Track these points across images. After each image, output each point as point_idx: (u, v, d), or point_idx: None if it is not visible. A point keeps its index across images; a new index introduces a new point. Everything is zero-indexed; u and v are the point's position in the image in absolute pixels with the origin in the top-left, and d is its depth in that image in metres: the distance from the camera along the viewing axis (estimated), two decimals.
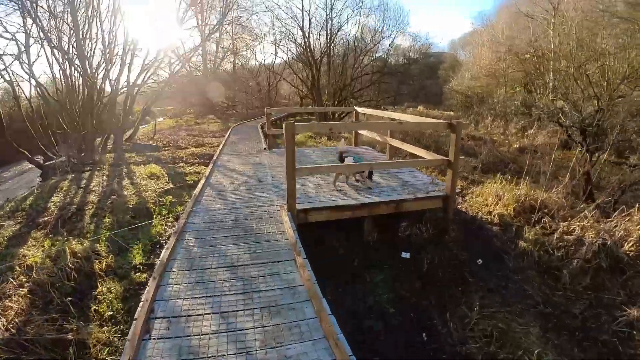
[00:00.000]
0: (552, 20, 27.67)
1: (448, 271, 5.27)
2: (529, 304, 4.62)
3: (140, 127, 25.73)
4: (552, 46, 28.16)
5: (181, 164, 10.91)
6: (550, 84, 28.75)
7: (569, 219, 6.39)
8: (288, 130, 4.99)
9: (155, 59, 16.55)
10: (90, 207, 6.89)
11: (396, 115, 9.13)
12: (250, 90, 38.24)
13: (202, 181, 7.61)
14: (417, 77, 26.52)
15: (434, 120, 6.85)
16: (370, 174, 6.69)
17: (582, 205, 7.12)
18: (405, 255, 5.60)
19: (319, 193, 6.30)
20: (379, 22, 32.22)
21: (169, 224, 6.31)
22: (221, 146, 12.50)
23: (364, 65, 25.98)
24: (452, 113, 32.44)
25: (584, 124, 10.03)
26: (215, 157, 10.27)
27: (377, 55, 27.94)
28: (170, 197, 7.56)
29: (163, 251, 4.35)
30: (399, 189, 6.53)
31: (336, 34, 24.83)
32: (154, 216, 6.53)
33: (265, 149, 11.43)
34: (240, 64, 39.51)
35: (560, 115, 12.17)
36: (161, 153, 12.96)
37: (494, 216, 6.92)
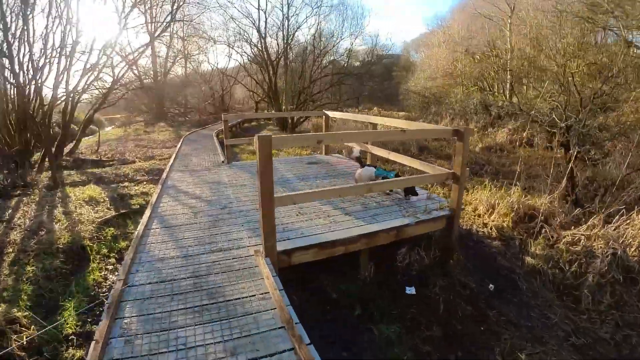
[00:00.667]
0: (509, 21, 28.18)
1: (463, 306, 4.54)
2: (560, 337, 4.22)
3: (85, 138, 24.06)
4: (509, 46, 28.77)
5: (126, 183, 9.59)
6: (507, 83, 29.41)
7: (571, 227, 6.24)
8: (263, 147, 3.52)
9: (97, 62, 15.09)
10: (11, 249, 5.59)
11: (378, 120, 8.23)
12: (203, 96, 36.68)
13: (148, 212, 5.81)
14: (377, 79, 25.82)
15: (440, 128, 5.86)
16: (412, 191, 5.97)
17: (577, 210, 6.83)
18: (410, 291, 4.68)
19: (299, 221, 5.08)
20: (339, 22, 31.28)
21: (110, 266, 5.19)
22: (172, 160, 10.92)
23: (322, 67, 25.01)
24: (404, 113, 32.46)
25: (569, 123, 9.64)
26: (164, 176, 8.54)
27: (337, 56, 27.18)
28: (112, 229, 6.34)
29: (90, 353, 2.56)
30: (396, 210, 5.49)
31: (294, 34, 23.78)
32: (91, 257, 5.36)
33: (223, 162, 9.97)
34: (192, 67, 37.79)
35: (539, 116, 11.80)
36: (104, 170, 11.54)
37: (491, 229, 6.41)
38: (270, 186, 3.68)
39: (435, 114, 27.92)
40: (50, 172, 12.44)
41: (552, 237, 6.09)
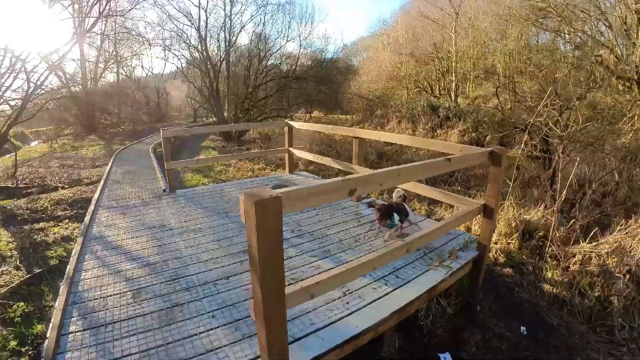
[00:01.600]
0: (454, 24, 28.63)
1: None
2: None
3: (7, 156, 21.26)
4: (454, 49, 29.17)
5: (42, 224, 7.88)
6: (453, 84, 29.78)
7: (571, 241, 5.86)
8: (265, 216, 1.99)
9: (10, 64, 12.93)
10: None
11: (367, 134, 6.67)
12: (137, 104, 34.14)
13: (62, 297, 3.63)
14: (317, 83, 24.61)
15: (478, 150, 4.34)
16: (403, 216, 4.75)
17: (572, 222, 6.25)
18: (446, 358, 3.69)
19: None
20: (285, 22, 29.71)
21: None
22: (98, 191, 8.63)
23: (267, 71, 23.48)
24: (347, 117, 32.05)
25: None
26: (87, 220, 6.29)
27: (281, 60, 25.74)
28: (22, 304, 4.81)
29: None
30: (414, 256, 4.34)
31: (237, 34, 22.12)
32: None
33: (165, 190, 8.00)
34: (124, 73, 35.05)
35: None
36: (17, 203, 9.62)
37: (497, 253, 5.96)
38: (280, 280, 2.18)
39: (381, 116, 27.59)
40: None
41: (560, 256, 5.57)
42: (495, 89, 27.63)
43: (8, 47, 12.85)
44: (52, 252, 6.54)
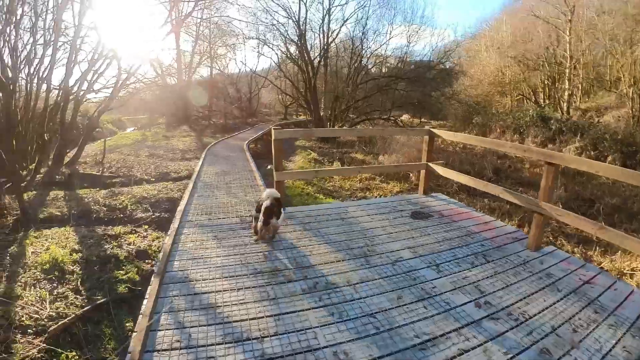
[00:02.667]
0: (569, 25, 24.74)
1: None
2: None
3: (103, 140, 21.18)
4: (568, 53, 25.38)
5: (117, 229, 6.34)
6: (565, 93, 26.00)
7: None
8: None
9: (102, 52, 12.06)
10: None
11: (566, 159, 4.45)
12: (229, 98, 33.71)
13: None
14: (425, 85, 21.92)
15: None
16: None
17: None
18: None
19: None
20: (388, 18, 26.90)
21: None
22: (186, 197, 7.06)
23: (368, 69, 21.32)
24: (441, 123, 29.17)
25: None
26: (168, 245, 4.47)
27: (383, 58, 23.34)
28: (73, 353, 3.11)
29: None
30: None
31: (339, 30, 20.26)
32: None
33: None
34: (218, 68, 34.82)
35: None
36: (96, 196, 8.33)
37: None
38: None
39: (482, 125, 24.60)
40: (34, 192, 9.62)
41: None
42: (619, 101, 23.67)
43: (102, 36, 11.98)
44: (122, 272, 4.90)
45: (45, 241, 5.76)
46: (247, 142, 16.21)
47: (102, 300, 4.38)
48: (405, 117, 34.01)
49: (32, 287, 4.45)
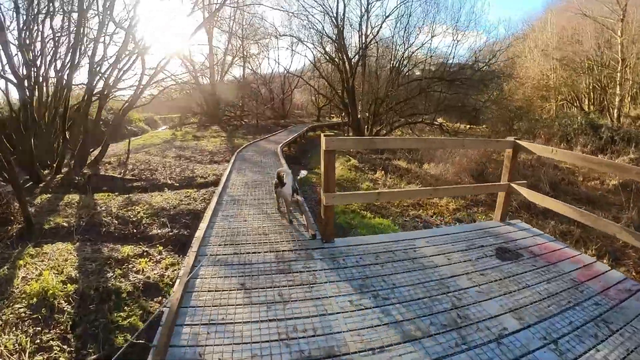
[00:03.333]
0: (620, 25, 22.72)
1: None
2: None
3: (134, 138, 20.71)
4: (620, 55, 23.35)
5: (126, 248, 5.23)
6: (616, 99, 23.95)
7: None
8: None
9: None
10: None
11: None
12: (262, 99, 32.78)
13: None
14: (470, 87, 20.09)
15: None
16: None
17: None
18: None
19: None
20: (431, 14, 24.71)
21: None
22: (208, 217, 5.50)
23: (409, 68, 19.77)
24: (479, 128, 27.35)
25: None
26: (179, 294, 3.12)
27: (426, 57, 21.60)
28: None
29: None
30: None
31: (379, 27, 18.81)
32: None
33: (316, 237, 4.52)
34: (251, 68, 33.96)
35: None
36: (111, 204, 7.30)
37: None
38: None
39: (526, 131, 22.93)
40: (49, 195, 8.80)
41: None
42: None
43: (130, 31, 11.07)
44: (123, 315, 3.79)
45: (40, 262, 4.76)
46: (280, 145, 14.99)
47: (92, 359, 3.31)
48: (439, 121, 32.25)
49: (13, 329, 3.45)
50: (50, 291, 3.99)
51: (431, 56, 20.41)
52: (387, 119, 18.48)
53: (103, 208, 7.05)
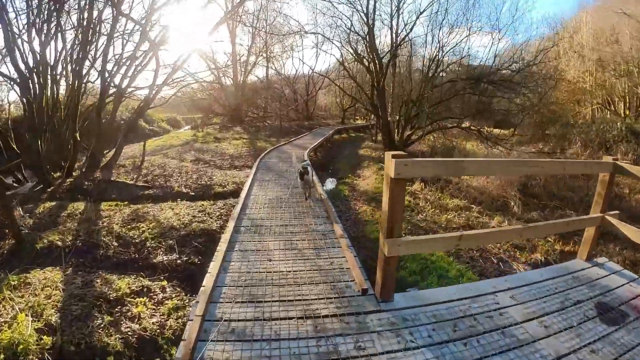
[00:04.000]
0: None
1: None
2: None
3: (153, 140, 20.10)
4: None
5: (123, 282, 4.22)
6: None
7: None
8: None
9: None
10: None
11: None
12: (285, 100, 31.84)
13: None
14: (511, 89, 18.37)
15: None
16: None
17: None
18: None
19: None
20: (470, 10, 22.50)
21: None
22: (219, 259, 3.95)
23: (443, 68, 18.24)
24: (505, 132, 25.67)
25: None
26: None
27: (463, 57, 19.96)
28: None
29: None
30: None
31: (414, 22, 17.32)
32: None
33: (367, 293, 3.30)
34: (274, 68, 33.06)
35: None
36: (114, 220, 6.36)
37: None
38: None
39: (560, 137, 21.37)
40: (54, 202, 8.02)
41: None
42: None
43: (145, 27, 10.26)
44: None
45: (20, 299, 3.83)
46: (307, 151, 13.84)
47: None
48: (465, 125, 30.64)
49: None
50: (22, 345, 3.06)
51: (468, 55, 19.03)
52: (419, 122, 17.18)
53: (105, 223, 6.11)
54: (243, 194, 7.13)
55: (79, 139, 10.83)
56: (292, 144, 17.17)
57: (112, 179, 10.11)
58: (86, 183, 9.81)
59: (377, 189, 8.82)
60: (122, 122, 17.28)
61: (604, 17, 28.25)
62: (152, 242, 5.42)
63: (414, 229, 6.60)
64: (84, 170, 10.82)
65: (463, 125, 16.59)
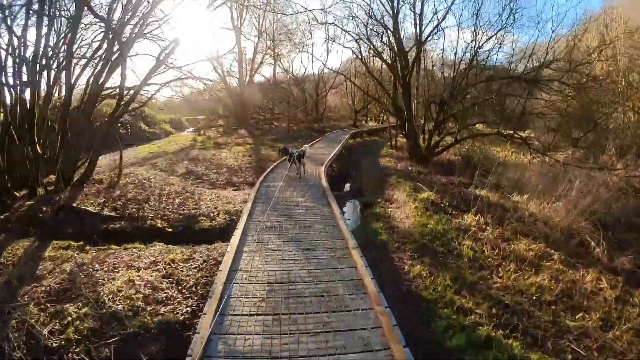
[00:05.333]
0: None
1: None
2: None
3: (147, 145, 18.23)
4: None
5: None
6: None
7: None
8: None
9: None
10: None
11: None
12: (294, 100, 29.40)
13: None
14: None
15: None
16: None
17: None
18: None
19: None
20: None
21: None
22: None
23: (478, 64, 15.47)
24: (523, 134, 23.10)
25: None
26: None
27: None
28: None
29: None
30: None
31: (446, 12, 14.57)
32: None
33: None
34: (281, 67, 30.94)
35: None
36: (54, 273, 4.18)
37: None
38: None
39: (593, 143, 19.34)
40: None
41: None
42: None
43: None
44: None
45: None
46: (325, 164, 11.41)
47: None
48: (479, 126, 28.10)
49: None
50: None
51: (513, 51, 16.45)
52: (462, 123, 14.69)
53: (28, 295, 3.91)
54: (226, 264, 4.37)
55: (40, 151, 8.70)
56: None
57: (74, 205, 7.91)
58: (43, 209, 7.67)
59: (424, 229, 6.44)
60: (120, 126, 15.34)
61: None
62: (84, 341, 3.20)
63: (501, 307, 4.21)
64: (48, 189, 8.70)
65: (504, 132, 13.96)
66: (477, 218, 7.16)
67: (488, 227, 6.90)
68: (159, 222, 6.89)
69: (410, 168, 12.85)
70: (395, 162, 14.10)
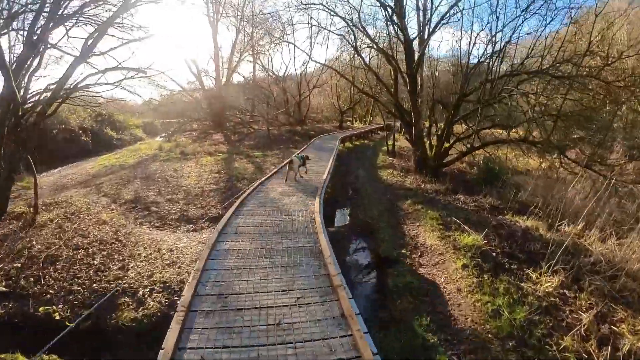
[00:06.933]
0: None
1: None
2: None
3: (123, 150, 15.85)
4: None
5: None
6: None
7: None
8: None
9: None
10: None
11: None
12: (274, 101, 26.76)
13: None
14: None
15: None
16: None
17: None
18: None
19: None
20: None
21: None
22: None
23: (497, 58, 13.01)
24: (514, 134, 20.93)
25: None
26: None
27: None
28: None
29: None
30: None
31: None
32: None
33: None
34: (260, 65, 28.42)
35: None
36: None
37: None
38: None
39: (598, 145, 17.30)
40: None
41: None
42: None
43: None
44: None
45: None
46: (320, 191, 7.78)
47: None
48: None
49: None
50: None
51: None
52: (478, 124, 12.24)
53: None
54: None
55: None
56: (282, 172, 10.86)
57: None
58: None
59: (496, 322, 3.75)
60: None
61: None
62: None
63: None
64: None
65: (529, 139, 11.52)
66: (557, 280, 4.58)
67: (568, 292, 4.38)
68: (59, 307, 4.26)
69: (422, 185, 10.40)
70: (400, 175, 11.53)
